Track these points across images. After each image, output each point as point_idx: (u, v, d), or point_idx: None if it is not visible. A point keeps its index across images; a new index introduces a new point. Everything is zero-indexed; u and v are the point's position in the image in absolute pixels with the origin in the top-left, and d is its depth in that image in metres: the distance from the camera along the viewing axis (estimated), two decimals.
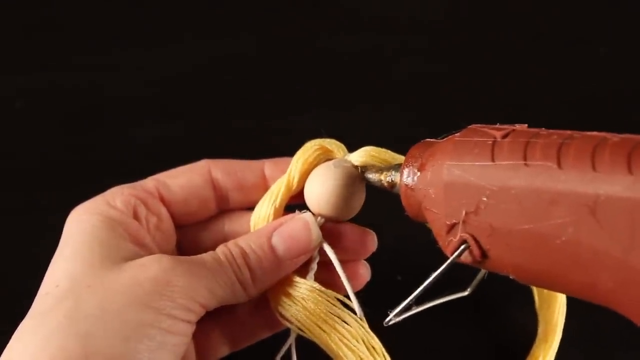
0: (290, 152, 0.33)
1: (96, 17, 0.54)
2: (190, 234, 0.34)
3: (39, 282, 0.29)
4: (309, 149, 0.32)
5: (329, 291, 0.30)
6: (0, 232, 0.42)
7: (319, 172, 0.31)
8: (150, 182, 0.32)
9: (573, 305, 0.36)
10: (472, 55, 0.53)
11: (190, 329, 0.28)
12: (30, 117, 0.48)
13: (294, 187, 0.32)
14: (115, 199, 0.31)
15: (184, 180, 0.33)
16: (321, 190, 0.30)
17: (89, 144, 0.47)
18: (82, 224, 0.29)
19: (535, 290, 0.36)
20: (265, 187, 0.33)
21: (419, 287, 0.27)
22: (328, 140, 0.32)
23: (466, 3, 0.57)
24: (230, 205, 0.34)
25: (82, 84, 0.50)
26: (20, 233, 0.42)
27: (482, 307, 0.39)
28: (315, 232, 0.30)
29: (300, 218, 0.30)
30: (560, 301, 0.35)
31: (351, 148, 0.33)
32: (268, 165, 0.33)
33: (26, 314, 0.28)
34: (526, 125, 0.26)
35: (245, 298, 0.29)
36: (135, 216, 0.31)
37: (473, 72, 0.52)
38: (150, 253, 0.29)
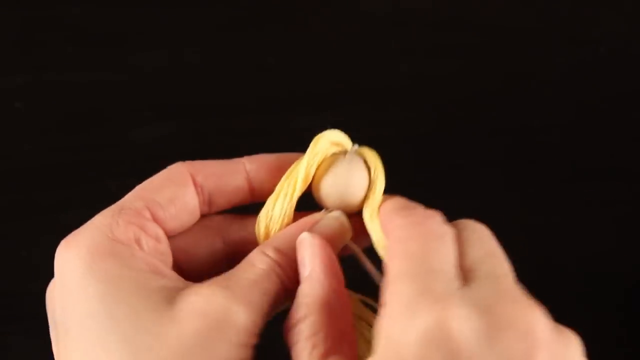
0: (292, 150, 0.33)
1: (96, 17, 0.54)
2: (183, 245, 0.32)
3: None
4: (324, 142, 0.31)
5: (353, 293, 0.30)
6: (0, 233, 0.42)
7: (341, 168, 0.31)
8: (138, 203, 0.29)
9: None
10: (470, 56, 0.53)
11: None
12: (30, 117, 0.48)
13: (308, 182, 0.31)
14: (115, 232, 0.27)
15: (171, 194, 0.30)
16: (343, 186, 0.30)
17: (89, 144, 0.47)
18: (98, 281, 0.26)
19: None
20: (249, 188, 0.32)
21: None
22: (335, 132, 0.32)
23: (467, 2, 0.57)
24: (213, 209, 0.32)
25: (82, 84, 0.50)
26: (20, 233, 0.42)
27: None
28: (350, 231, 0.30)
29: (336, 217, 0.30)
30: None
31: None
32: (249, 164, 0.32)
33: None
34: None
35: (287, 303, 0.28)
36: (139, 245, 0.28)
37: (470, 72, 0.52)
38: (167, 277, 0.27)
